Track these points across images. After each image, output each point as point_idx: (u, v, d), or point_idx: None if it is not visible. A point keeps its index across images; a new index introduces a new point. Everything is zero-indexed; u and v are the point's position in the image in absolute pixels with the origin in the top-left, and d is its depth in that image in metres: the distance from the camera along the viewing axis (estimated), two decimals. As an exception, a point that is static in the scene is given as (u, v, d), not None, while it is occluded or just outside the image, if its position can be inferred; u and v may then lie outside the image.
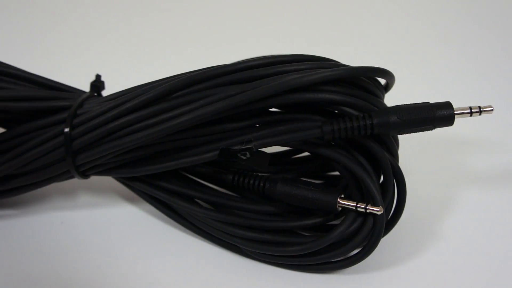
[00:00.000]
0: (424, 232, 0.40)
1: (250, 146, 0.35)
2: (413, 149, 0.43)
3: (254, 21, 0.75)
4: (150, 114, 0.36)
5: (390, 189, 0.36)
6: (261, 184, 0.38)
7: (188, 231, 0.41)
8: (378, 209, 0.34)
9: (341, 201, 0.35)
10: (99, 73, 0.41)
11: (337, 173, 0.41)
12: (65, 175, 0.39)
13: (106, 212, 0.43)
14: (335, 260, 0.36)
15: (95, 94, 0.41)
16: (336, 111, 0.36)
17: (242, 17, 0.76)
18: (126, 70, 0.64)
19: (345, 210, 0.36)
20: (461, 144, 0.50)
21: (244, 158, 0.35)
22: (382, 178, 0.37)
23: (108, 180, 0.44)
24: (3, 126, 0.42)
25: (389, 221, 0.37)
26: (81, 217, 0.43)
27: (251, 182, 0.38)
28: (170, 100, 0.36)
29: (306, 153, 0.41)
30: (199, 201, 0.40)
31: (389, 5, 0.77)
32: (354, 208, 0.35)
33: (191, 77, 0.36)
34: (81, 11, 0.79)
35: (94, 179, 0.43)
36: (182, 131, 0.36)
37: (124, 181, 0.41)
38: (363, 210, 0.35)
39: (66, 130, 0.37)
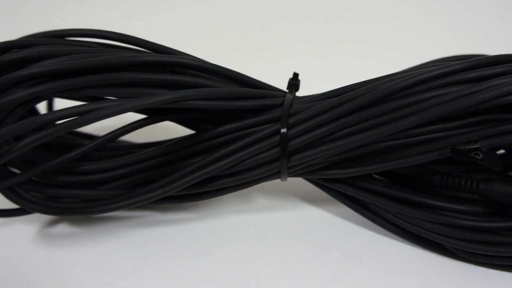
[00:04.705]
0: None
1: (478, 145, 0.35)
2: None
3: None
4: (375, 114, 0.35)
5: None
6: (474, 184, 0.37)
7: (383, 231, 0.40)
8: None
9: None
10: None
11: None
12: (273, 176, 0.38)
13: (290, 214, 0.42)
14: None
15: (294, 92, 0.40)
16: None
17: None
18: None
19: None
20: None
21: (479, 158, 0.35)
22: None
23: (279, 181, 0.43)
24: (190, 128, 0.40)
25: None
26: (266, 220, 0.42)
27: (462, 182, 0.38)
28: (396, 100, 0.35)
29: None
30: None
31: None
32: None
33: (417, 76, 0.35)
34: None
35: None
36: (402, 131, 0.36)
37: (322, 182, 0.40)
38: None
39: (283, 130, 0.36)
